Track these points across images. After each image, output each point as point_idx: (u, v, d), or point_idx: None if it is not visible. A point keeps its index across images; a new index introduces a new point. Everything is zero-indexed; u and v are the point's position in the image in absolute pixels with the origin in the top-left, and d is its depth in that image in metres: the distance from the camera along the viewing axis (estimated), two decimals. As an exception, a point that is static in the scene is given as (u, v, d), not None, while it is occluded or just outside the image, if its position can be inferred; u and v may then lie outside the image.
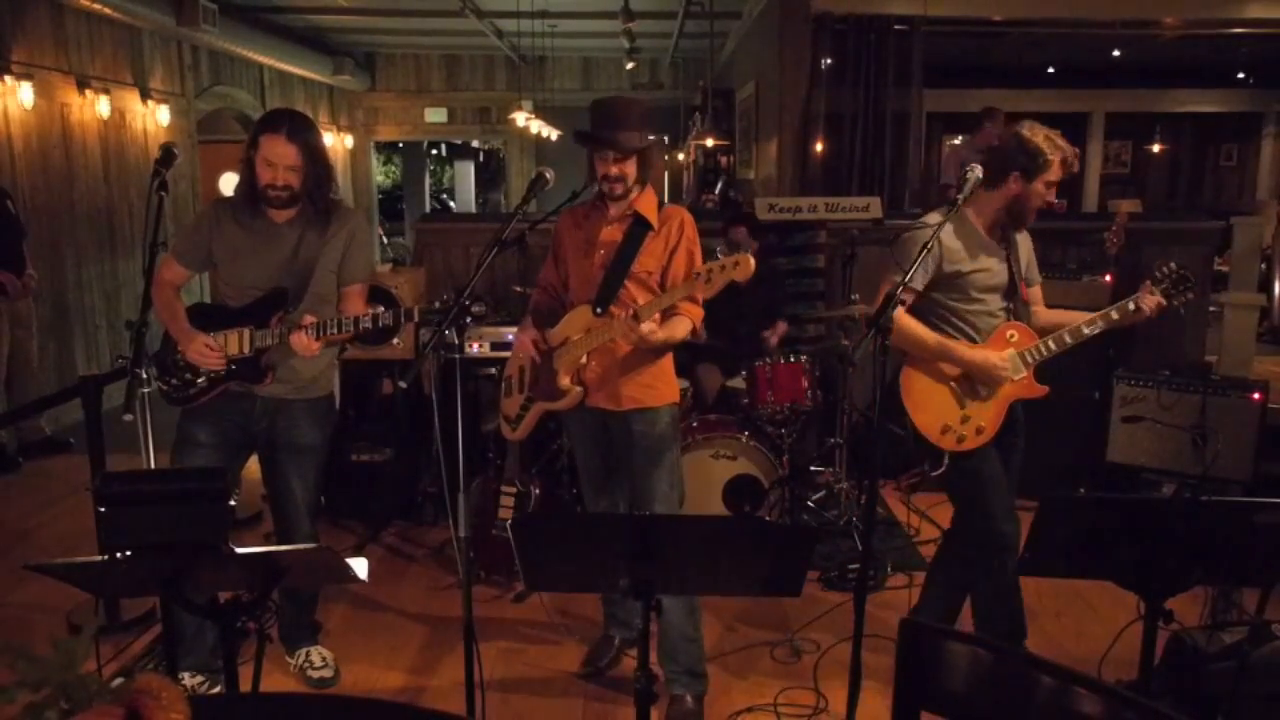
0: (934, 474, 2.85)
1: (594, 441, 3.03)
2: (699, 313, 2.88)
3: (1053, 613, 3.60)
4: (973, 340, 2.90)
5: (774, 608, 3.63)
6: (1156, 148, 12.69)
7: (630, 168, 2.82)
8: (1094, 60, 10.62)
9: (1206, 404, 3.97)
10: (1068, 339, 2.88)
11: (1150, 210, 6.00)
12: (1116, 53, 10.00)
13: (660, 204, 2.93)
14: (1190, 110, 12.25)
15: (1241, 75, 11.70)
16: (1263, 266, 8.31)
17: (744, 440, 4.04)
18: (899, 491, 4.91)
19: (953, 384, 2.90)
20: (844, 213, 5.17)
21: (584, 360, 2.88)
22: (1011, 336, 2.90)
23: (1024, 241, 3.03)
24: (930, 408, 2.90)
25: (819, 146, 6.77)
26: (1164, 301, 2.83)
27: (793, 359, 4.18)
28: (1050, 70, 11.21)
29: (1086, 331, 2.86)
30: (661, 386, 2.94)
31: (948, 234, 2.82)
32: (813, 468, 4.84)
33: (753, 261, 2.51)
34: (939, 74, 7.57)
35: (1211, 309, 5.92)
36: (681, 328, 2.83)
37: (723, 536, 1.94)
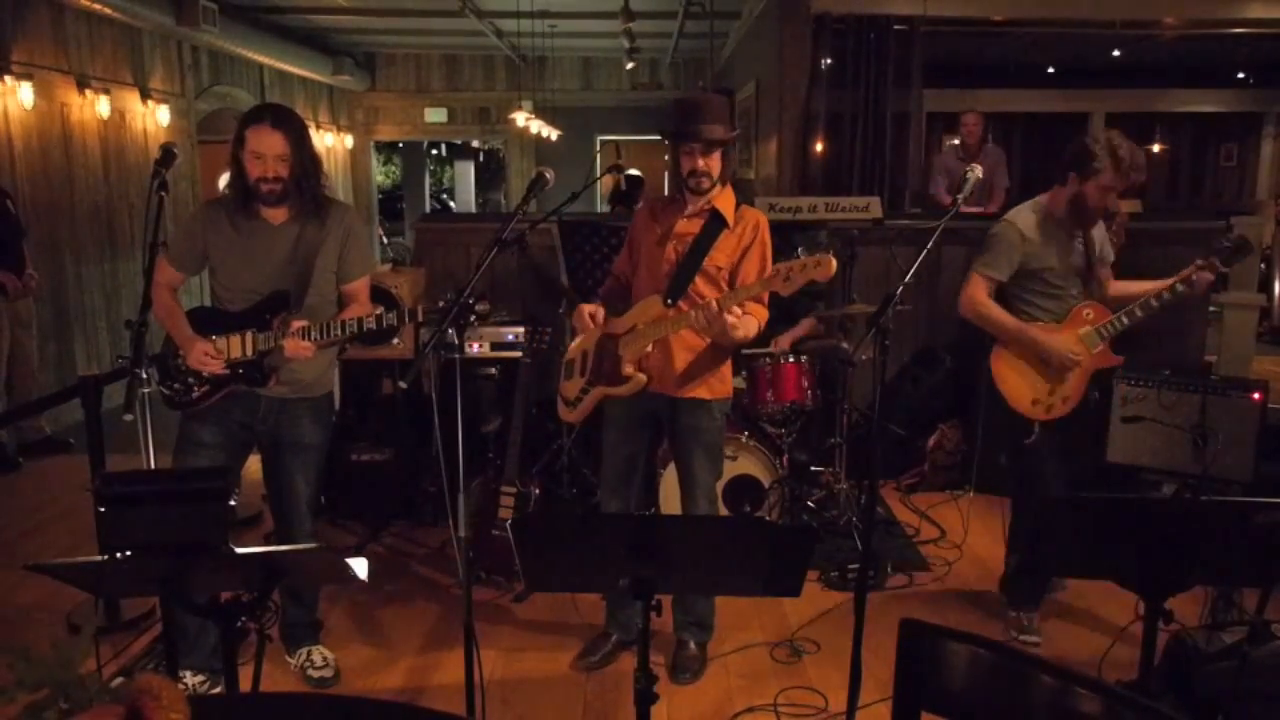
0: (1027, 442, 3.25)
1: (634, 431, 3.06)
2: (765, 314, 2.92)
3: (1053, 613, 3.60)
4: (1057, 320, 3.20)
5: (774, 608, 3.63)
6: (1156, 148, 12.68)
7: (715, 162, 2.86)
8: (1094, 60, 10.61)
9: (1206, 404, 3.96)
10: (1138, 313, 3.16)
11: (1150, 210, 5.99)
12: (1116, 53, 9.99)
13: (737, 204, 2.96)
14: (1190, 110, 12.24)
15: (1241, 75, 11.69)
16: (1263, 266, 8.32)
17: (744, 440, 4.04)
18: (899, 491, 4.91)
19: (1039, 362, 3.20)
20: (844, 213, 5.17)
21: (649, 349, 2.90)
22: (1088, 315, 3.23)
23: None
24: (1020, 383, 3.25)
25: (819, 146, 6.76)
26: (1213, 277, 3.07)
27: (792, 359, 4.18)
28: (1050, 70, 11.19)
29: (1155, 305, 3.14)
30: (717, 382, 3.00)
31: (1030, 228, 3.15)
32: (813, 468, 4.84)
33: (834, 262, 2.53)
34: (939, 74, 7.56)
35: (1211, 309, 5.92)
36: (753, 326, 2.86)
37: (723, 536, 1.94)
